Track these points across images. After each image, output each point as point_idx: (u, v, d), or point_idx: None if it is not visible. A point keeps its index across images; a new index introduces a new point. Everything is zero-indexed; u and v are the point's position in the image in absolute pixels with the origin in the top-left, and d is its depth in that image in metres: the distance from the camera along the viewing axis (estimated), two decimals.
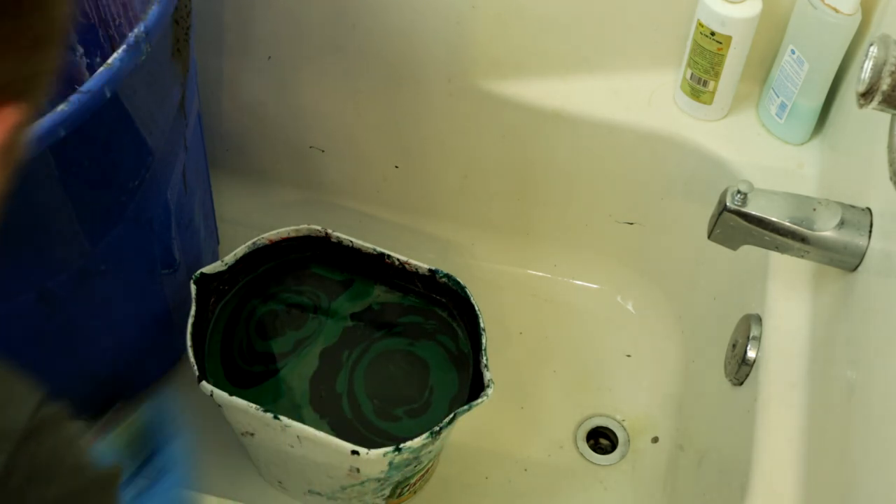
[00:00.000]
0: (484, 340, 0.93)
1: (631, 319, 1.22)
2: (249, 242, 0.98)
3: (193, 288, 0.93)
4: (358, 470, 0.89)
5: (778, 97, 0.98)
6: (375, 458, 0.85)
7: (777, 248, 0.77)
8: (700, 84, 1.00)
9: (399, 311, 1.01)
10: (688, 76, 1.01)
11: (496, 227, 1.26)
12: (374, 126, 1.20)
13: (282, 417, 0.86)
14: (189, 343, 0.90)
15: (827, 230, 0.75)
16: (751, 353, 0.85)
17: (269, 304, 1.00)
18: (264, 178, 1.30)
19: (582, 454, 1.12)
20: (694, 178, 1.05)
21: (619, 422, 1.14)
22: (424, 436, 0.85)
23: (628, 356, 1.20)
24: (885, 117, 0.68)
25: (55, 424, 0.43)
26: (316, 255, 1.02)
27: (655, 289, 1.21)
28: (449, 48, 1.08)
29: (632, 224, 1.17)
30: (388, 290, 1.02)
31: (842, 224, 0.74)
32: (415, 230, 1.28)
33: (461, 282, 0.96)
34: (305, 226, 0.99)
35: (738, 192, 0.76)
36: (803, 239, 0.75)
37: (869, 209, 0.75)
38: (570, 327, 1.22)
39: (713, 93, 1.00)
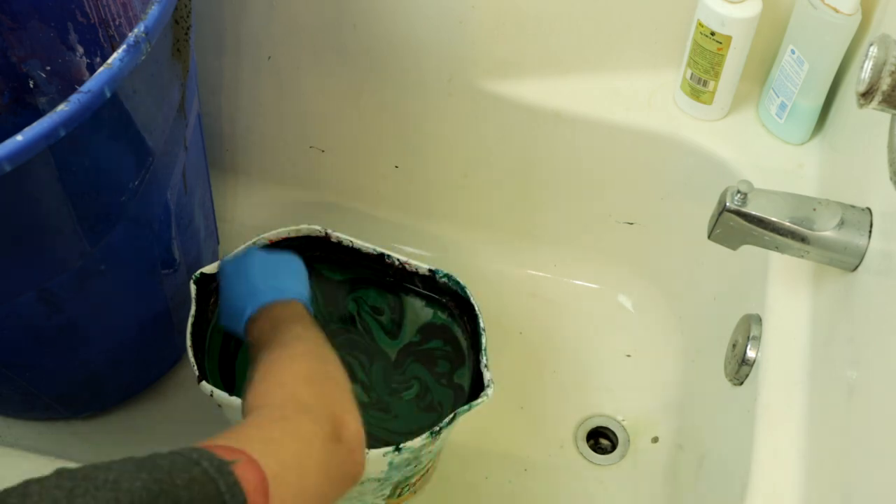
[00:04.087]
0: (484, 340, 0.93)
1: (631, 319, 1.22)
2: (249, 242, 0.98)
3: (193, 288, 0.93)
4: None
5: (778, 97, 0.98)
6: (375, 458, 0.85)
7: (777, 248, 0.77)
8: (700, 84, 1.00)
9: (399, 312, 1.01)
10: (688, 76, 1.01)
11: (496, 227, 1.26)
12: (374, 126, 1.19)
13: None
14: (189, 343, 0.90)
15: (827, 230, 0.75)
16: (751, 353, 0.85)
17: None
18: (264, 178, 1.30)
19: (582, 454, 1.12)
20: (694, 178, 1.05)
21: (619, 422, 1.14)
22: (424, 436, 0.85)
23: (628, 356, 1.19)
24: (885, 117, 0.68)
25: None
26: (315, 255, 1.02)
27: (655, 289, 1.21)
28: (449, 48, 1.08)
29: (632, 224, 1.17)
30: (388, 290, 1.01)
31: (842, 224, 0.74)
32: (415, 230, 1.28)
33: (461, 282, 0.96)
34: (305, 226, 0.99)
35: (738, 192, 0.76)
36: (803, 239, 0.75)
37: (869, 209, 0.75)
38: (570, 327, 1.22)
39: (713, 93, 1.00)
